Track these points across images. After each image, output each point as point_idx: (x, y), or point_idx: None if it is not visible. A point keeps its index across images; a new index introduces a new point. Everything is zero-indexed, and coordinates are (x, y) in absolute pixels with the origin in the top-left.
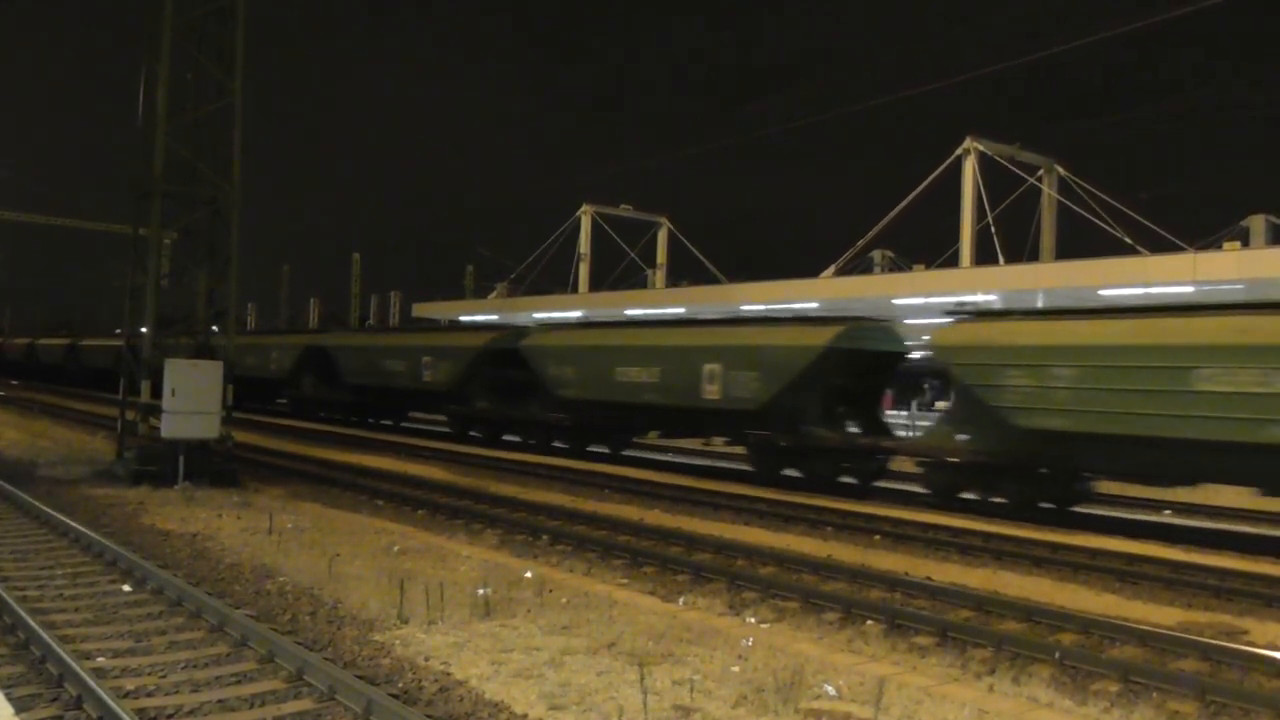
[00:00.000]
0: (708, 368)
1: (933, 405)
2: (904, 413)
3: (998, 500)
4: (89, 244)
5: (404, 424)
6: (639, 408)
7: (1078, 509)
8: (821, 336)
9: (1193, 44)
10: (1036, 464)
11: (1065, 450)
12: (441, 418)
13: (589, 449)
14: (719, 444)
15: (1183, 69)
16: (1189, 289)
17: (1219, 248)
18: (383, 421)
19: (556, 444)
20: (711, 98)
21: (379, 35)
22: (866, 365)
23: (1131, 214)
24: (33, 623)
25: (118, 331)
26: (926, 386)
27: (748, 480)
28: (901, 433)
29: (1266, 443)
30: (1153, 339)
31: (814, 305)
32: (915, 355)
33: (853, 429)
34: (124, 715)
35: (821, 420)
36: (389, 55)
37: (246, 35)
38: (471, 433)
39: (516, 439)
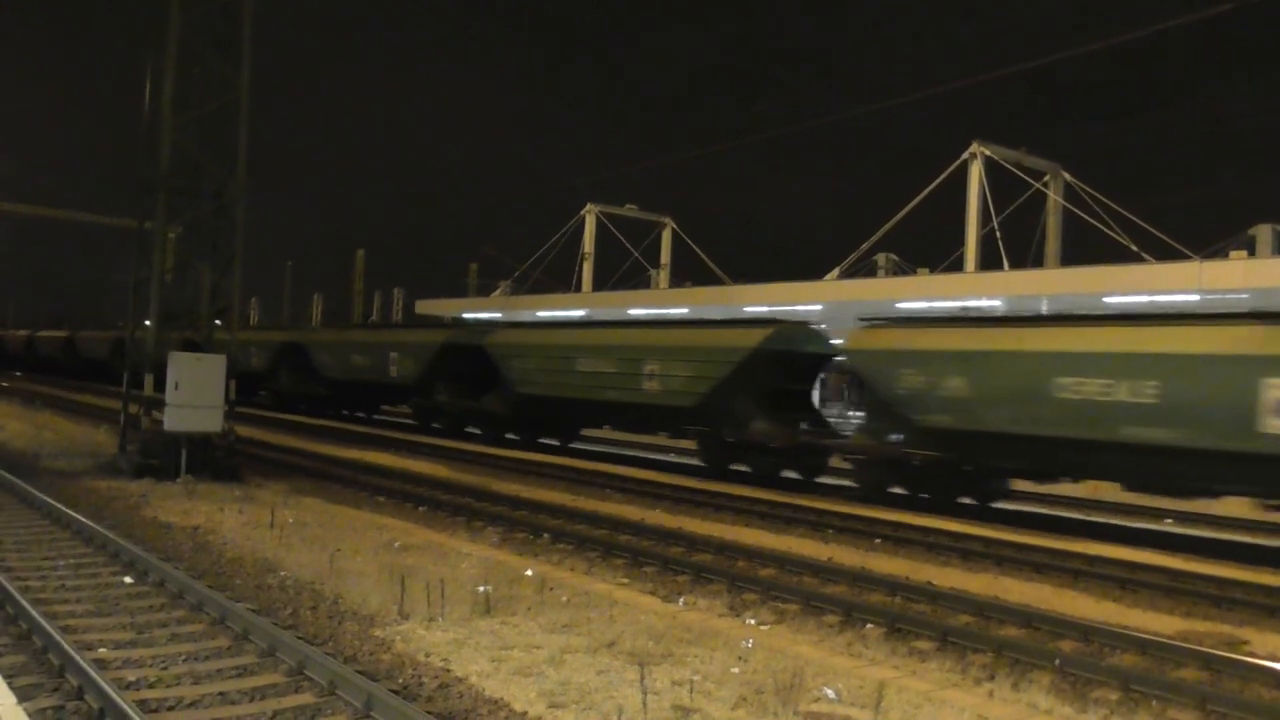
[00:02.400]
0: (649, 366)
1: (859, 405)
2: (834, 411)
3: (923, 495)
4: (92, 238)
5: (376, 416)
6: (589, 402)
7: (1089, 516)
8: (752, 338)
9: (1203, 50)
10: (941, 460)
11: (956, 446)
12: (409, 410)
13: (540, 440)
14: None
15: (1191, 75)
16: (1194, 297)
17: (1225, 256)
18: (357, 414)
19: (509, 435)
20: (718, 98)
21: (385, 31)
22: (796, 365)
23: (1138, 221)
24: (35, 613)
25: (120, 325)
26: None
27: (749, 482)
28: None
29: (1119, 440)
30: (1019, 346)
31: (817, 307)
32: (840, 357)
33: (795, 426)
34: (125, 706)
35: (763, 417)
36: (394, 50)
37: (253, 30)
38: (434, 425)
39: (477, 431)
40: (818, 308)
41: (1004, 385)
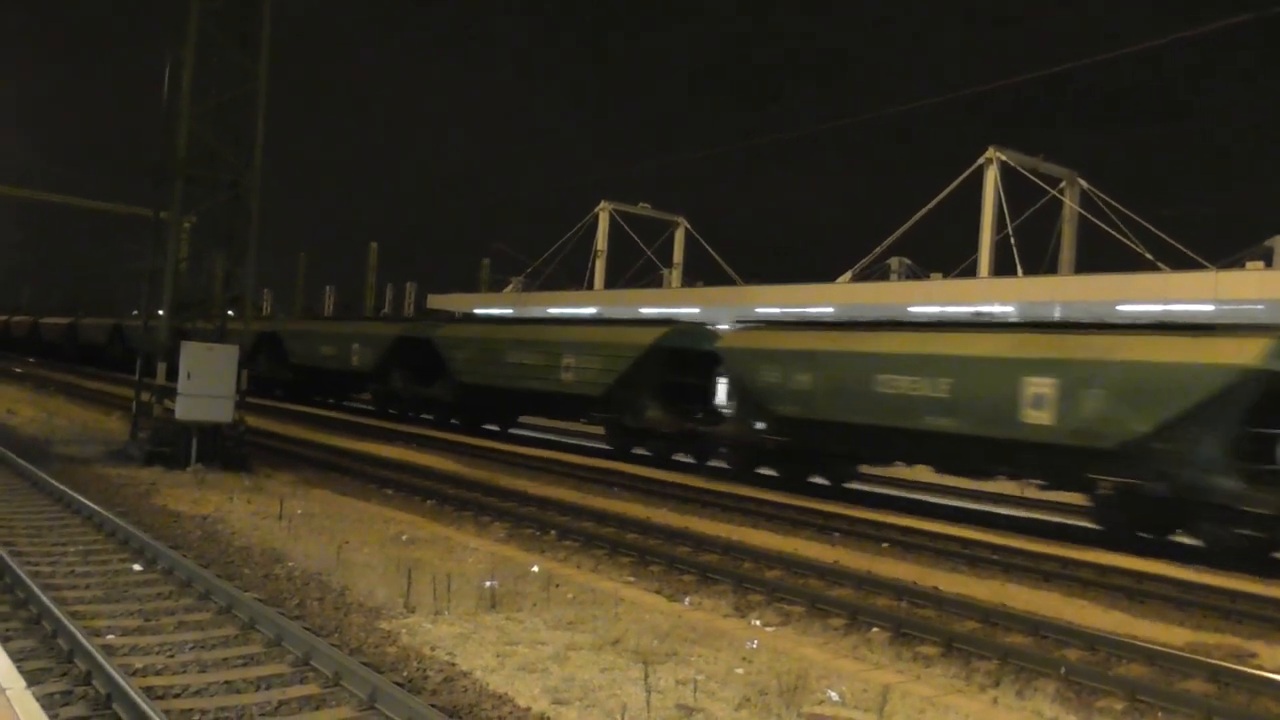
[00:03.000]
0: (565, 359)
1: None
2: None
3: (784, 476)
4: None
5: (345, 402)
6: (518, 391)
7: (1103, 526)
8: (649, 335)
9: (1222, 60)
10: (792, 444)
11: (803, 433)
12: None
13: (482, 426)
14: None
15: (1211, 86)
16: (1209, 307)
17: (1242, 267)
18: (327, 400)
19: (454, 421)
20: (733, 98)
21: (400, 25)
22: (689, 361)
23: (1154, 230)
24: (45, 598)
25: (135, 313)
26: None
27: (757, 483)
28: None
29: (922, 429)
30: (849, 348)
31: (829, 310)
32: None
33: (687, 415)
34: (133, 692)
35: (657, 407)
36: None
37: (271, 21)
38: (390, 410)
39: (429, 416)
40: (829, 310)
41: (838, 381)
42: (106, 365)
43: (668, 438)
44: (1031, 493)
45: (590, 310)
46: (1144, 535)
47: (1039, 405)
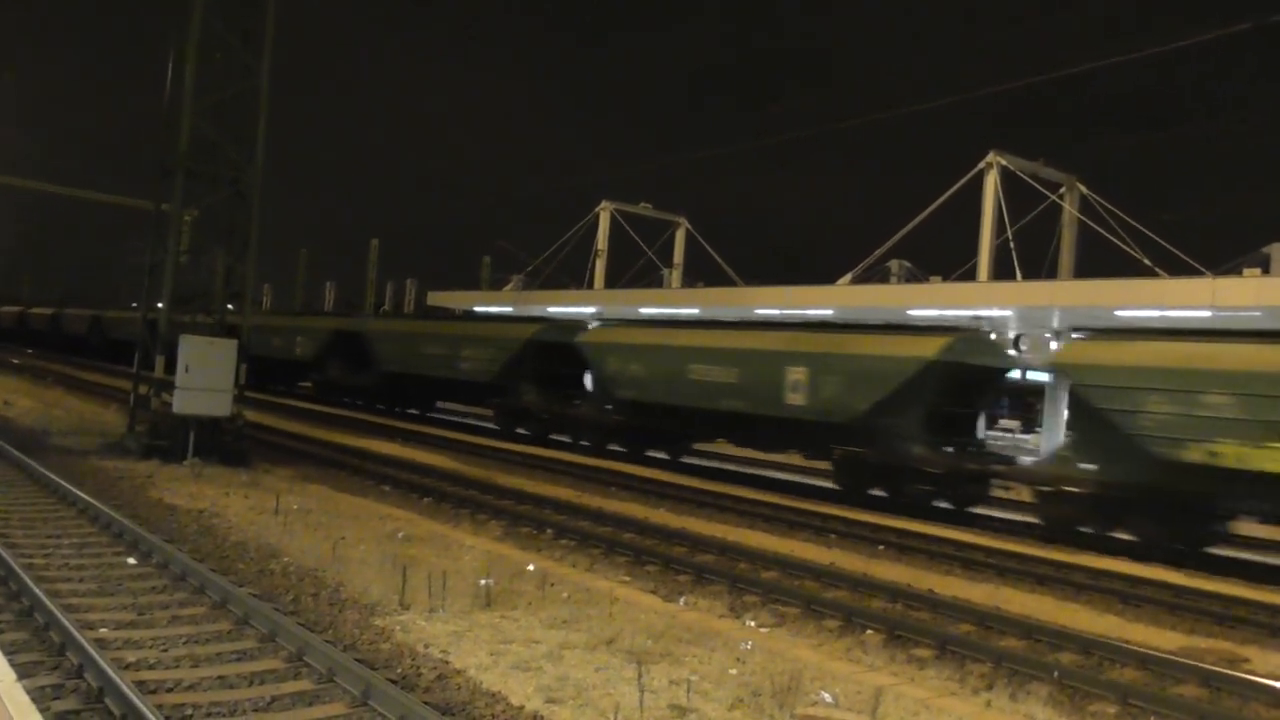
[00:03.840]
0: (465, 350)
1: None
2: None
3: (629, 451)
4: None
5: (295, 389)
6: (430, 379)
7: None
8: (525, 331)
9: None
10: (634, 424)
11: (638, 413)
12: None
13: (406, 410)
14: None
15: (1210, 92)
16: (1206, 313)
17: (1239, 274)
18: (279, 387)
19: (379, 405)
20: (734, 98)
21: (401, 24)
22: (560, 353)
23: (1153, 236)
24: (38, 590)
25: (134, 306)
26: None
27: (753, 485)
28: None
29: (720, 409)
30: (670, 342)
31: (829, 312)
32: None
33: (563, 400)
34: (125, 687)
35: (535, 392)
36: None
37: (275, 17)
38: (329, 395)
39: (359, 402)
40: (829, 311)
41: (661, 370)
42: (89, 354)
43: (541, 419)
44: (1025, 495)
45: (590, 309)
46: (875, 493)
47: (796, 389)
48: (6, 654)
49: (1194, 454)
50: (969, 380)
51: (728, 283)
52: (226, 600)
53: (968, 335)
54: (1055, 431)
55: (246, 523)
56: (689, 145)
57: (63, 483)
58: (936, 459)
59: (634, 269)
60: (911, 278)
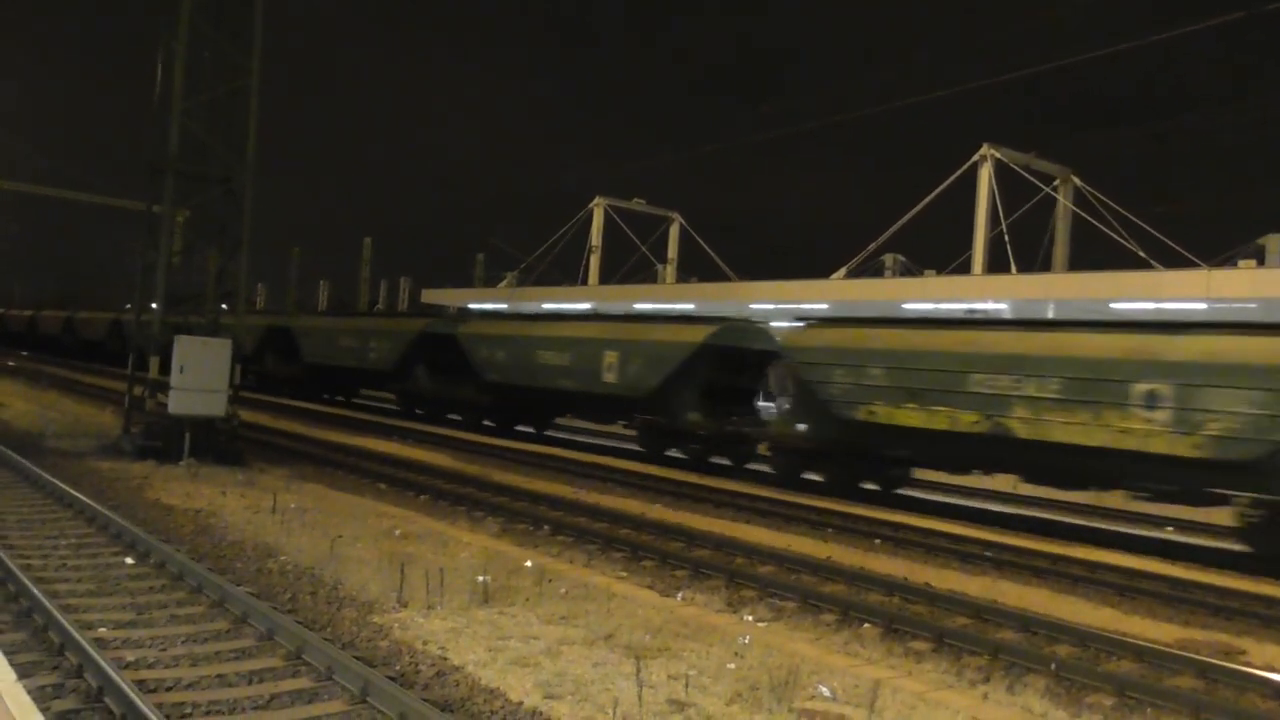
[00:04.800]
0: (372, 343)
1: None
2: None
3: (499, 427)
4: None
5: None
6: (344, 369)
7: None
8: (415, 325)
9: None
10: (496, 402)
11: (502, 394)
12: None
13: (327, 396)
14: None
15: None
16: (1201, 305)
17: (1234, 265)
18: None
19: (306, 393)
20: (728, 94)
21: (395, 19)
22: (444, 344)
23: (1147, 228)
24: (36, 591)
25: (128, 306)
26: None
27: (754, 479)
28: None
29: (558, 388)
30: (526, 333)
31: (824, 306)
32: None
33: (451, 385)
34: (124, 686)
35: (429, 376)
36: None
37: (264, 15)
38: (265, 385)
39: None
40: (824, 306)
41: (517, 357)
42: (61, 353)
43: (432, 401)
44: (1025, 489)
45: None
46: (671, 455)
47: (610, 370)
48: (6, 654)
49: (860, 414)
50: (739, 360)
51: (722, 278)
52: (225, 599)
53: (733, 323)
54: (784, 399)
55: (243, 522)
56: (683, 141)
57: (59, 484)
58: (706, 424)
59: (628, 265)
60: (906, 272)
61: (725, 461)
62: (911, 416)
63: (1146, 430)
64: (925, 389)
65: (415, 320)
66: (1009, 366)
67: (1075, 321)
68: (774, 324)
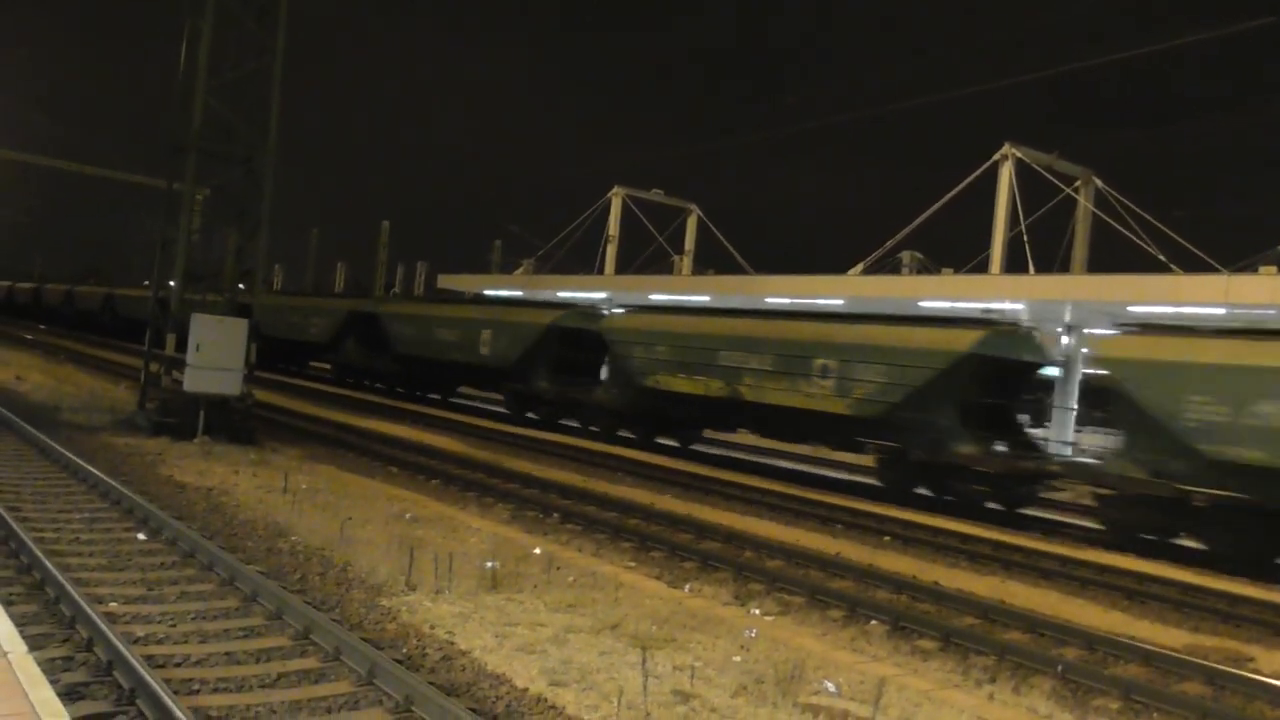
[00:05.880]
0: (312, 320)
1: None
2: None
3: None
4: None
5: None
6: (292, 341)
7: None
8: (348, 305)
9: (1243, 62)
10: (398, 371)
11: (410, 365)
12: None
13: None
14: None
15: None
16: (1220, 310)
17: (1255, 271)
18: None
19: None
20: (751, 87)
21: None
22: (366, 322)
23: (1168, 231)
24: (49, 564)
25: (145, 283)
26: None
27: (760, 473)
28: None
29: (453, 360)
30: (424, 313)
31: (839, 302)
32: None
33: (372, 355)
34: (134, 660)
35: (356, 349)
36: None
37: None
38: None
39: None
40: (839, 301)
41: (421, 333)
42: (63, 324)
43: (357, 369)
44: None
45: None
46: (531, 416)
47: (485, 345)
48: (18, 625)
49: (650, 382)
50: (577, 339)
51: (739, 271)
52: (235, 577)
53: (578, 307)
54: (605, 371)
55: (255, 501)
56: (702, 134)
57: (74, 458)
58: (552, 391)
59: (644, 255)
60: (923, 270)
61: (574, 423)
62: (682, 384)
63: (822, 394)
64: (690, 362)
65: (351, 301)
66: (742, 346)
67: (785, 312)
68: (607, 310)
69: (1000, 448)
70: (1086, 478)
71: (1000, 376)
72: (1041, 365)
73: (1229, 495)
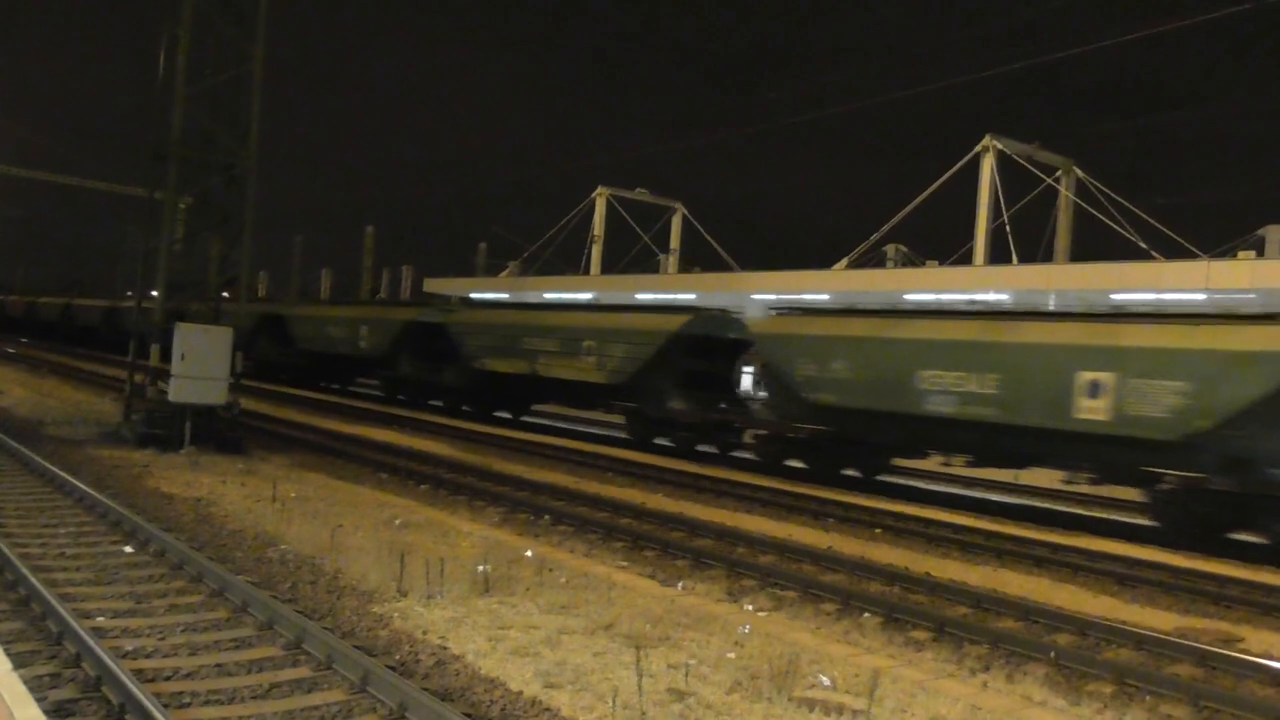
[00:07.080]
0: (364, 337)
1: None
2: None
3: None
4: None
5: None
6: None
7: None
8: (259, 309)
9: (1216, 50)
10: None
11: (314, 360)
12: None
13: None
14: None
15: (1205, 75)
16: (1200, 296)
17: (1234, 256)
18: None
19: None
20: (730, 82)
21: (400, 10)
22: (274, 324)
23: (1148, 219)
24: (34, 580)
25: (129, 294)
26: None
27: (753, 469)
28: None
29: (339, 353)
30: (331, 314)
31: (825, 297)
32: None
33: (282, 354)
34: (123, 675)
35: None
36: (406, 26)
37: (269, 1)
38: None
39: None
40: (825, 297)
41: (322, 332)
42: (24, 333)
43: (270, 364)
44: (1025, 478)
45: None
46: (402, 398)
47: (364, 339)
48: (3, 643)
49: (480, 365)
50: (428, 331)
51: (724, 268)
52: (224, 588)
53: (433, 304)
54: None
55: (243, 511)
56: (685, 131)
57: (59, 471)
58: (418, 373)
59: (630, 254)
60: (907, 262)
61: (438, 402)
62: (504, 365)
63: (587, 367)
64: (509, 346)
65: (265, 305)
66: (543, 333)
67: (571, 305)
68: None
69: (716, 405)
70: (753, 424)
71: (707, 350)
72: (748, 341)
73: (819, 429)
